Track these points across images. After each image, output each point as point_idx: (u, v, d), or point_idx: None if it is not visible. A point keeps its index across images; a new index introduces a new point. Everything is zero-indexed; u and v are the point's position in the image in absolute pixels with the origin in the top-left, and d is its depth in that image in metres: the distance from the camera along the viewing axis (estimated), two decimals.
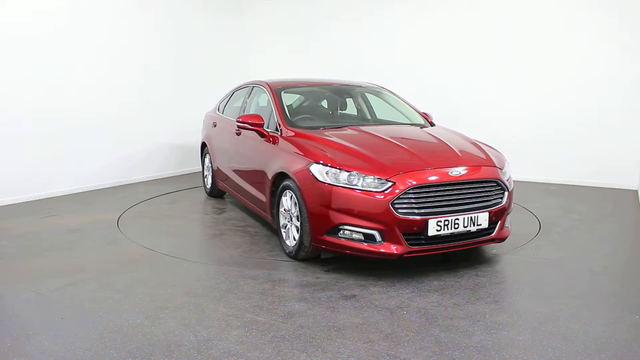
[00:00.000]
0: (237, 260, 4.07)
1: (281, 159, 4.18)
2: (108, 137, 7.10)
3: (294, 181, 3.87)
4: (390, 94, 5.48)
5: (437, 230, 3.52)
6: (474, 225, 3.63)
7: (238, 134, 5.24)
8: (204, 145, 6.58)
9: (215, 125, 6.16)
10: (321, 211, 3.65)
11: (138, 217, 5.50)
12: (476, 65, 7.58)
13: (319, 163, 3.71)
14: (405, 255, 3.53)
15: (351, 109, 5.42)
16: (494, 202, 3.76)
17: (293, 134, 4.30)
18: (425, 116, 5.14)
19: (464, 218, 3.57)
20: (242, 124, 4.73)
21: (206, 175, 6.59)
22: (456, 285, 3.50)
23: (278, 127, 4.49)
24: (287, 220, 4.12)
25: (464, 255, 4.12)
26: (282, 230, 4.21)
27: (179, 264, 3.99)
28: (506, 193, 3.86)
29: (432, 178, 3.56)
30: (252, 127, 4.68)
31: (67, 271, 3.80)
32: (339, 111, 5.33)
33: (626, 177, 6.71)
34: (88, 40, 6.75)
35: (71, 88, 6.58)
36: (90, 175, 6.93)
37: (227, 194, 6.27)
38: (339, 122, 5.02)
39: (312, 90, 5.47)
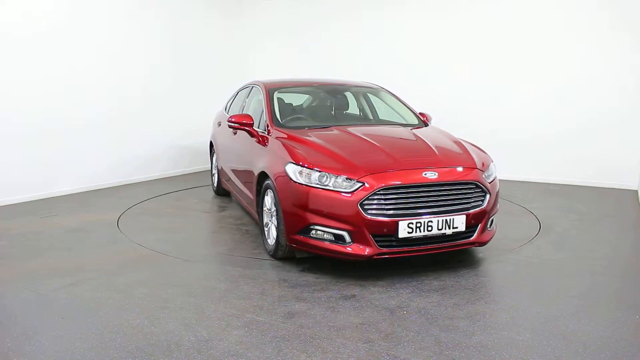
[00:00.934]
0: (219, 259, 4.10)
1: (265, 158, 4.22)
2: (108, 137, 7.10)
3: (272, 180, 3.92)
4: (387, 93, 5.45)
5: (409, 233, 3.45)
6: (449, 228, 3.55)
7: (235, 134, 5.28)
8: (212, 144, 6.66)
9: (219, 125, 6.23)
10: (294, 211, 3.66)
11: (138, 217, 5.50)
12: (476, 65, 7.59)
13: (294, 163, 3.73)
14: (375, 257, 3.50)
15: (345, 108, 5.40)
16: (472, 204, 3.67)
17: (279, 134, 4.32)
18: (423, 116, 5.11)
19: (437, 220, 3.50)
20: (232, 124, 4.77)
21: (214, 174, 6.67)
22: (456, 285, 3.50)
23: (266, 127, 4.53)
24: (269, 219, 4.15)
25: (464, 255, 4.12)
26: (265, 229, 4.24)
27: (179, 264, 3.99)
28: (487, 195, 3.75)
29: (403, 179, 3.49)
30: (241, 127, 4.71)
31: (67, 271, 3.80)
32: (334, 111, 5.33)
33: (626, 177, 6.71)
34: (88, 41, 6.75)
35: (71, 88, 6.58)
36: (90, 175, 6.92)
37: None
38: (331, 122, 5.01)
39: (307, 90, 5.50)
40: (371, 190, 3.42)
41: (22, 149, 6.09)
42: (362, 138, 4.08)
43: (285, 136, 4.23)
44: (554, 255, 4.17)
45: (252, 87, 5.56)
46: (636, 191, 6.54)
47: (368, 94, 5.46)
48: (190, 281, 3.61)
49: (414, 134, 4.36)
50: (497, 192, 3.98)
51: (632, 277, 3.78)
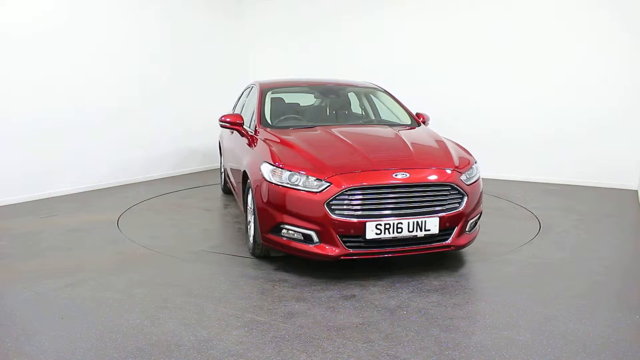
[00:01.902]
0: (219, 259, 4.10)
1: (248, 157, 4.25)
2: (108, 137, 7.10)
3: (250, 179, 3.96)
4: (383, 93, 5.38)
5: (377, 234, 3.41)
6: (421, 230, 3.48)
7: (232, 133, 5.33)
8: (220, 143, 6.74)
9: None
10: (266, 209, 3.68)
11: (138, 217, 5.50)
12: (476, 65, 7.59)
13: (268, 163, 3.75)
14: (342, 257, 3.49)
15: (342, 108, 5.37)
16: (448, 206, 3.58)
17: (265, 134, 4.33)
18: (420, 116, 5.04)
19: (408, 222, 3.44)
20: (222, 123, 4.80)
21: (222, 172, 6.76)
22: (456, 285, 3.50)
23: (255, 126, 4.56)
24: (250, 217, 4.17)
25: (464, 255, 4.12)
26: (248, 227, 4.28)
27: (179, 264, 3.99)
28: (465, 197, 3.64)
29: (371, 180, 3.45)
30: (231, 126, 4.76)
31: (67, 271, 3.80)
32: (330, 111, 5.32)
33: (626, 177, 6.72)
34: (88, 41, 6.75)
35: (71, 88, 6.58)
36: (91, 175, 6.93)
37: None
38: (325, 122, 5.00)
39: (302, 90, 5.50)
40: (338, 191, 3.40)
41: (22, 149, 6.09)
42: (340, 138, 4.06)
43: (270, 136, 4.25)
44: (554, 255, 4.17)
45: (252, 87, 5.59)
46: (636, 191, 6.54)
47: (364, 94, 5.43)
48: (191, 281, 3.61)
49: (397, 135, 4.28)
50: (481, 194, 3.89)
51: (632, 277, 3.78)
